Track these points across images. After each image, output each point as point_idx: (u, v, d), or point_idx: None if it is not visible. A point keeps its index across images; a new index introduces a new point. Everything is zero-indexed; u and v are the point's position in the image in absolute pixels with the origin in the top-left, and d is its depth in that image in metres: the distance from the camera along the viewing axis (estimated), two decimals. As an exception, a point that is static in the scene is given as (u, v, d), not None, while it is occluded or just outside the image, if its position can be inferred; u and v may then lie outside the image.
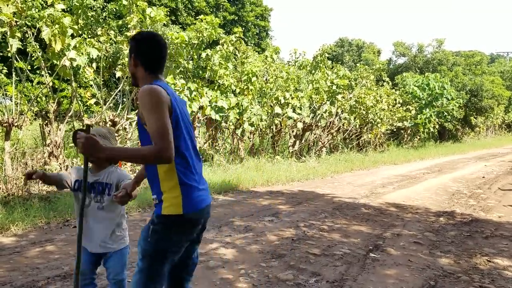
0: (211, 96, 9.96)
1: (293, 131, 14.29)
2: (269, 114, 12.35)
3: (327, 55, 15.27)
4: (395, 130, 21.13)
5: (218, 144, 11.44)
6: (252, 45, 23.72)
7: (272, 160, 12.54)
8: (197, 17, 11.00)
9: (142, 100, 2.16)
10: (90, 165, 2.89)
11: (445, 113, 22.50)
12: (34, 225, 5.79)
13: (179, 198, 2.25)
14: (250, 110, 11.01)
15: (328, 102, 14.23)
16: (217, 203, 7.55)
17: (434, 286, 3.92)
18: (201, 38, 9.98)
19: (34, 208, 6.25)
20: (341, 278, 4.06)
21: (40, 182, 4.34)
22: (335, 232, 5.71)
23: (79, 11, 8.90)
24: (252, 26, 26.02)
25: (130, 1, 8.82)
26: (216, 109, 9.97)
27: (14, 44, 6.45)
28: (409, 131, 22.60)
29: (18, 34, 6.56)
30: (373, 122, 17.83)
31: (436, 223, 6.45)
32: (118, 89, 8.96)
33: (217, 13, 23.91)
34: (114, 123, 9.32)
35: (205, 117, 11.11)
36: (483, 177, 12.13)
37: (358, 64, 23.19)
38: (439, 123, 23.52)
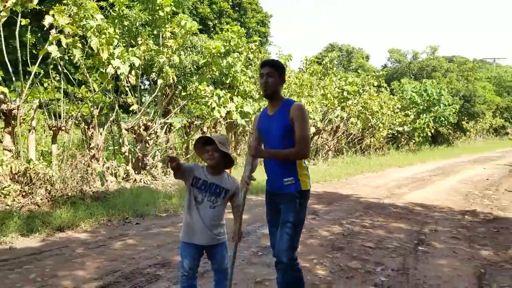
0: (237, 102, 10.46)
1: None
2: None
3: (335, 62, 15.89)
4: (395, 134, 21.88)
5: (240, 147, 11.95)
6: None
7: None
8: (224, 27, 11.47)
9: (300, 112, 3.08)
10: (200, 164, 3.36)
11: (442, 118, 23.36)
12: (98, 222, 6.23)
13: (308, 178, 3.19)
14: (271, 115, 11.53)
15: (339, 108, 14.85)
16: (254, 203, 8.04)
17: (484, 273, 4.50)
18: (227, 47, 10.48)
19: (93, 207, 6.68)
20: (403, 267, 4.62)
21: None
22: (378, 229, 6.28)
23: (116, 21, 9.36)
24: (254, 32, 26.58)
25: (166, 12, 9.31)
26: (242, 114, 10.48)
27: (77, 54, 6.89)
28: (405, 135, 23.41)
29: (79, 45, 6.99)
30: (375, 126, 18.54)
31: (463, 220, 7.07)
32: (154, 95, 9.41)
33: (221, 20, 24.43)
34: (146, 128, 9.77)
35: (226, 122, 11.63)
36: (487, 179, 12.86)
37: (359, 71, 23.93)
38: (434, 127, 24.40)
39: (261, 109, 11.26)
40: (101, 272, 4.19)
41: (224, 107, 10.01)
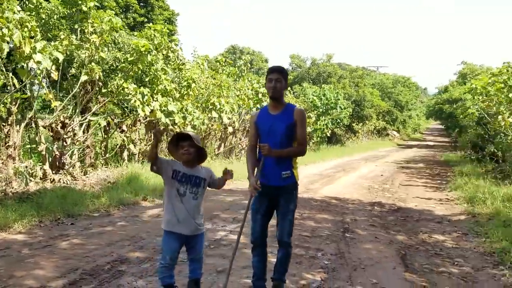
0: (161, 101, 10.48)
1: (219, 134, 15.28)
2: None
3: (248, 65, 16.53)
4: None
5: (161, 146, 11.92)
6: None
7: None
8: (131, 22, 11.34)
9: (303, 115, 3.69)
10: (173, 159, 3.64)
11: (338, 120, 25.44)
12: (30, 224, 5.97)
13: (297, 172, 3.78)
14: (192, 115, 11.74)
15: (254, 109, 15.50)
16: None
17: (405, 254, 5.34)
18: (151, 45, 10.44)
19: (21, 208, 6.34)
20: (339, 252, 5.28)
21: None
22: (307, 220, 6.94)
23: (32, 13, 8.84)
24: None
25: (89, 8, 9.05)
26: (166, 113, 10.53)
27: (6, 48, 6.45)
28: (307, 135, 25.05)
29: (7, 38, 6.55)
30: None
31: (374, 211, 8.08)
32: (74, 91, 9.07)
33: (127, 14, 23.72)
34: (64, 125, 9.35)
35: (146, 120, 11.55)
36: (382, 175, 14.50)
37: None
38: (331, 129, 26.47)
39: (183, 108, 11.40)
40: (61, 271, 4.16)
41: (148, 106, 9.98)
